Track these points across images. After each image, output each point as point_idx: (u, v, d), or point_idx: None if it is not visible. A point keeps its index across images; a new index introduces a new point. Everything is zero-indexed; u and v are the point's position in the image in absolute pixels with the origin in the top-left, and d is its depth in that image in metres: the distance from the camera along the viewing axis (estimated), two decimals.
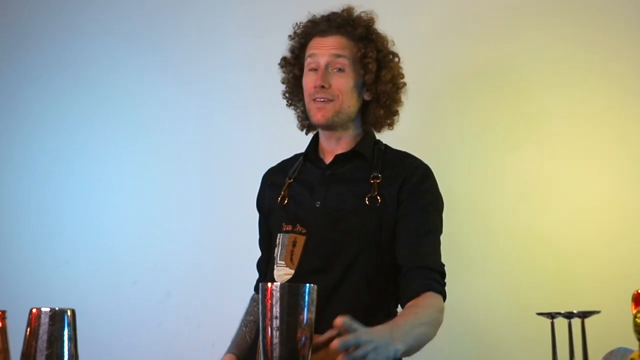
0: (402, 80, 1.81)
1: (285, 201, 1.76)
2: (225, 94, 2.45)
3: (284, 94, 1.87)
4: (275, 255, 1.71)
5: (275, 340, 1.15)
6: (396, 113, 1.81)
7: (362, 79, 1.76)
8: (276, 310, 1.15)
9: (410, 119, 2.05)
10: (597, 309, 1.34)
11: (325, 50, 1.74)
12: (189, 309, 2.26)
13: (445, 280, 1.65)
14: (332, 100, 1.72)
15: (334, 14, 1.79)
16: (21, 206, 2.50)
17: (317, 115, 1.73)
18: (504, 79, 2.28)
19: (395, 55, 1.80)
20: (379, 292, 1.70)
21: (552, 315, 1.36)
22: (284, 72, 1.85)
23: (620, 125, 2.18)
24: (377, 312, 1.68)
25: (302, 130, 1.88)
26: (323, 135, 1.80)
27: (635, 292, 1.26)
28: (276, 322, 1.15)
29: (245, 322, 1.79)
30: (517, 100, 2.26)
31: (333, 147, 1.79)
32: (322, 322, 1.56)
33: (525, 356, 2.09)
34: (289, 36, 1.84)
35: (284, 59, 1.84)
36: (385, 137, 1.84)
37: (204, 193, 2.38)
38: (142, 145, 2.48)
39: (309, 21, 1.82)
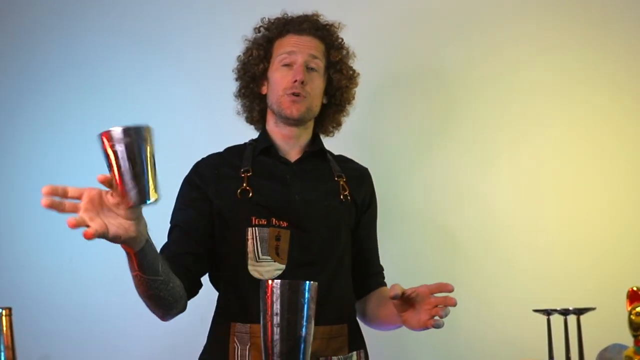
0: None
1: (250, 194, 1.70)
2: (229, 94, 2.45)
3: (246, 87, 1.85)
4: (250, 250, 1.65)
5: (276, 337, 1.15)
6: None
7: (326, 84, 1.82)
8: (277, 307, 1.15)
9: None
10: (593, 306, 1.34)
11: (303, 48, 1.77)
12: (192, 304, 2.26)
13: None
14: (305, 97, 1.75)
15: (310, 16, 1.83)
16: (28, 204, 2.50)
17: (292, 109, 1.74)
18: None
19: (354, 70, 1.88)
20: (351, 283, 1.82)
21: (548, 312, 1.36)
22: (250, 63, 1.83)
23: (619, 125, 2.19)
24: (354, 300, 1.83)
25: (250, 123, 1.90)
26: (281, 132, 1.80)
27: (630, 290, 1.26)
28: (277, 319, 1.15)
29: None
30: (524, 100, 2.27)
31: (291, 145, 1.80)
32: (323, 315, 1.61)
33: (522, 352, 2.08)
34: (255, 29, 1.86)
35: (254, 50, 1.83)
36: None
37: None
38: None
39: (282, 18, 1.84)
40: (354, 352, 1.73)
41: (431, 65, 2.33)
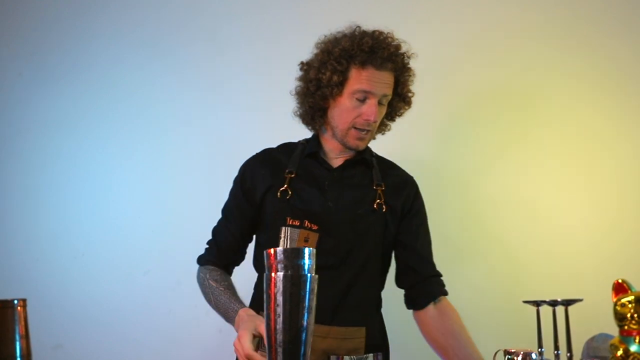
0: None
1: (288, 195, 1.72)
2: (233, 96, 2.45)
3: (313, 94, 1.73)
4: (280, 247, 1.66)
5: (279, 327, 1.15)
6: None
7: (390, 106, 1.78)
8: (279, 298, 1.15)
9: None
10: (580, 297, 1.34)
11: (380, 89, 1.69)
12: (198, 297, 2.26)
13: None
14: (371, 131, 1.75)
15: (391, 47, 1.70)
16: (41, 201, 2.50)
17: (357, 142, 1.74)
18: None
19: (412, 92, 1.81)
20: (379, 288, 1.80)
21: (537, 303, 1.36)
22: (324, 85, 1.70)
23: (600, 124, 2.19)
24: (379, 305, 1.82)
25: (306, 125, 1.82)
26: (334, 144, 1.78)
27: (616, 282, 1.26)
28: (279, 310, 1.15)
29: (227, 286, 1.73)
30: (509, 103, 2.27)
31: (339, 152, 1.79)
32: (340, 312, 1.67)
33: (512, 341, 2.07)
34: (335, 40, 1.73)
35: (332, 74, 1.69)
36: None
37: (211, 189, 2.36)
38: (154, 144, 2.48)
39: (366, 42, 1.69)
40: (371, 354, 1.72)
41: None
